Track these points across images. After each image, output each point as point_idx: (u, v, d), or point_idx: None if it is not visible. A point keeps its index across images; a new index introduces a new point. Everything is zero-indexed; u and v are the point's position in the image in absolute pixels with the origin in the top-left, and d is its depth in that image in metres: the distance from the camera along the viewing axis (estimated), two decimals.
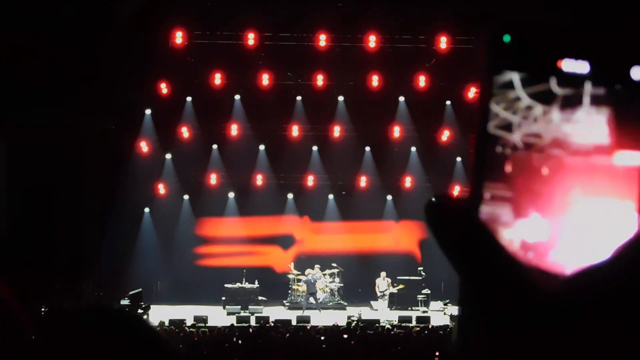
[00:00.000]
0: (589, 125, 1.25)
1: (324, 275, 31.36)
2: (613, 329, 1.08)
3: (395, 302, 30.15)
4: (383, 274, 30.34)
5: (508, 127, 1.28)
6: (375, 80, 30.50)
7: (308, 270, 30.65)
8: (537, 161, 1.26)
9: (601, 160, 1.26)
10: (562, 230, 1.28)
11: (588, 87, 1.31)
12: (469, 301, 1.22)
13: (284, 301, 31.57)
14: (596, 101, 1.25)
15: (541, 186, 1.26)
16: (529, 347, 1.09)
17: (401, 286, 30.27)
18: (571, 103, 1.25)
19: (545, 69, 1.29)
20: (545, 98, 1.26)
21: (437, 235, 1.18)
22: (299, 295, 31.33)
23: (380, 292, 29.95)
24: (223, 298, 30.70)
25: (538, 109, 1.29)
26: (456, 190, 33.06)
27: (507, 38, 1.35)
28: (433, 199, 1.19)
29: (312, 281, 30.05)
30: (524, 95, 1.28)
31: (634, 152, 1.30)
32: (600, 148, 1.25)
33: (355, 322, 25.10)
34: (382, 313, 28.59)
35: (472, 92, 30.99)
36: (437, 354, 14.92)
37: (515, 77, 1.34)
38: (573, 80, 1.31)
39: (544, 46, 1.30)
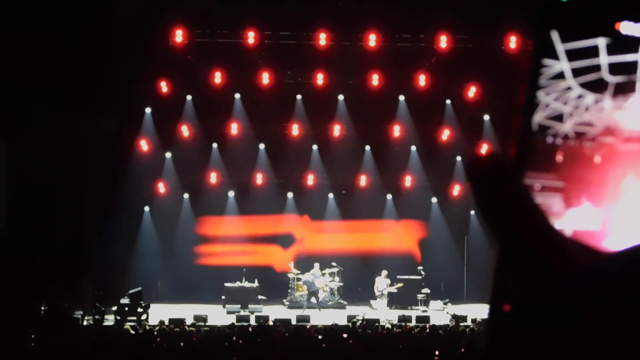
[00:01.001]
0: None
1: (323, 274, 31.34)
2: None
3: (395, 301, 30.14)
4: (384, 272, 30.32)
5: (559, 117, 1.26)
6: (375, 79, 30.50)
7: (306, 274, 30.61)
8: (589, 150, 1.25)
9: None
10: (615, 218, 1.26)
11: None
12: (504, 277, 1.19)
13: (284, 300, 31.58)
14: None
15: (593, 175, 1.25)
16: (566, 343, 1.07)
17: (400, 284, 30.25)
18: (623, 90, 1.23)
19: (603, 30, 1.27)
20: (597, 87, 1.24)
21: (477, 193, 1.15)
22: (298, 295, 31.32)
23: (379, 291, 29.93)
24: (223, 297, 30.69)
25: (589, 97, 1.27)
26: (456, 190, 33.07)
27: None
28: (478, 157, 1.17)
29: (312, 280, 30.03)
30: (575, 84, 1.26)
31: None
32: None
33: (360, 321, 25.13)
34: (381, 312, 28.57)
35: (472, 92, 30.98)
36: (436, 353, 14.91)
37: (566, 64, 1.32)
38: (628, 66, 1.28)
39: (603, 6, 1.28)
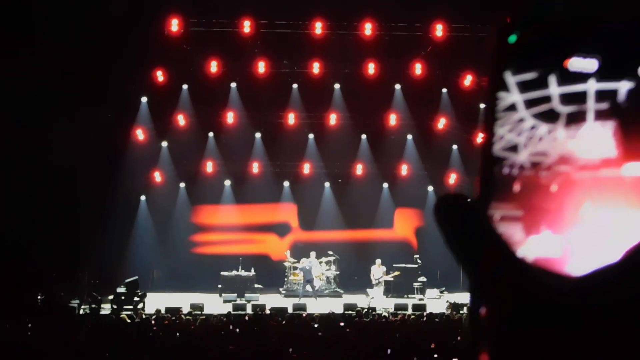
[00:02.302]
0: (595, 139, 1.26)
1: (320, 263, 31.38)
2: (619, 330, 1.09)
3: (391, 289, 30.15)
4: (378, 261, 30.33)
5: (514, 148, 1.29)
6: (371, 68, 30.49)
7: (303, 260, 30.65)
8: (545, 179, 1.28)
9: (610, 173, 1.27)
10: (575, 244, 1.29)
11: (592, 102, 1.33)
12: (476, 297, 1.23)
13: (280, 289, 31.60)
14: (601, 115, 1.26)
15: (551, 203, 1.28)
16: (535, 346, 1.10)
17: (397, 273, 30.28)
18: (575, 119, 1.26)
19: (552, 68, 1.30)
20: (549, 117, 1.27)
21: (445, 232, 1.19)
22: (295, 283, 31.35)
23: (376, 279, 29.94)
24: (219, 286, 30.72)
25: (543, 128, 1.30)
26: (452, 178, 33.09)
27: (512, 39, 1.36)
28: (443, 197, 1.21)
29: (308, 268, 30.06)
30: (527, 115, 1.29)
31: None
32: (608, 161, 1.26)
33: (365, 309, 25.17)
34: (377, 300, 28.60)
35: (468, 80, 30.98)
36: (432, 345, 14.93)
37: (518, 97, 1.36)
38: (577, 96, 1.31)
39: (552, 44, 1.31)
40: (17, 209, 27.54)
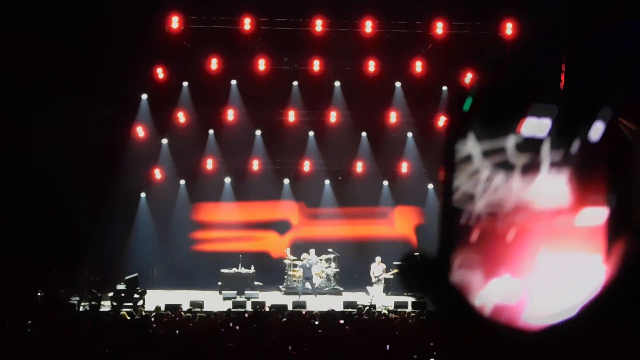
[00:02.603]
0: (550, 188, 1.29)
1: (320, 260, 31.39)
2: None
3: (391, 287, 30.16)
4: (378, 258, 30.32)
5: (471, 198, 1.32)
6: (371, 66, 30.48)
7: (304, 255, 30.66)
8: (502, 227, 1.30)
9: (565, 219, 1.30)
10: (533, 290, 1.32)
11: (546, 153, 1.36)
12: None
13: (280, 286, 31.62)
14: (555, 165, 1.29)
15: (508, 250, 1.30)
16: None
17: (396, 271, 30.28)
18: (530, 169, 1.29)
19: (506, 132, 1.34)
20: (505, 167, 1.30)
21: (407, 285, 1.23)
22: (294, 281, 31.37)
23: (375, 277, 29.93)
24: (219, 283, 30.72)
25: (499, 178, 1.33)
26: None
27: (467, 106, 1.41)
28: (407, 257, 1.25)
29: (308, 266, 30.06)
30: (484, 166, 1.31)
31: (596, 208, 1.35)
32: (562, 210, 1.29)
33: (367, 307, 25.18)
34: (377, 298, 28.60)
35: (468, 78, 30.94)
36: (432, 344, 14.93)
37: (474, 148, 1.39)
38: (532, 144, 1.35)
39: (505, 110, 1.35)
40: (17, 206, 27.53)
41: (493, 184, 1.26)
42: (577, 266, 1.31)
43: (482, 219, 1.26)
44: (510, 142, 1.27)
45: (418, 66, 30.63)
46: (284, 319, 20.24)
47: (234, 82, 31.85)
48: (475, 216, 1.25)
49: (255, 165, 33.22)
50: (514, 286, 1.26)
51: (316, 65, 30.81)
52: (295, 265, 31.40)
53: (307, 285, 30.00)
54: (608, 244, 1.39)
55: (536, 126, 1.28)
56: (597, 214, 1.38)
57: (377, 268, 30.07)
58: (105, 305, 26.68)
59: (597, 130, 1.35)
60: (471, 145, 1.27)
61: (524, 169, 1.27)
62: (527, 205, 1.26)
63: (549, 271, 1.28)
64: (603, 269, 1.37)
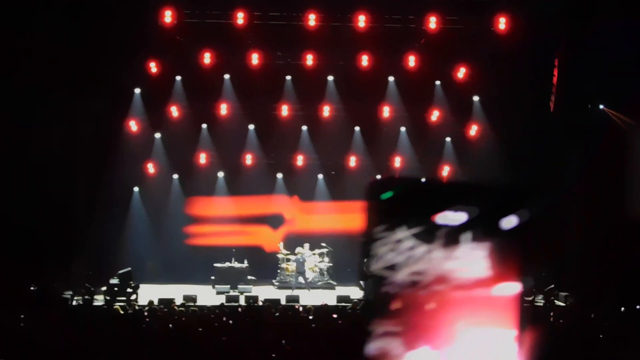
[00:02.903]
0: (470, 260, 1.32)
1: (313, 254, 31.42)
2: None
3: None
4: None
5: (393, 267, 1.35)
6: (365, 60, 30.49)
7: (298, 249, 30.66)
8: (423, 297, 1.33)
9: (483, 292, 1.33)
10: None
11: (467, 227, 1.39)
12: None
13: (273, 280, 31.62)
14: (476, 239, 1.32)
15: (428, 320, 1.33)
16: None
17: None
18: (452, 241, 1.32)
19: (421, 222, 1.37)
20: (427, 238, 1.33)
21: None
22: (288, 275, 31.38)
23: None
24: (212, 277, 30.75)
25: (421, 249, 1.35)
26: (445, 171, 33.10)
27: (385, 196, 1.45)
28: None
29: (302, 260, 30.07)
30: (407, 236, 1.34)
31: (511, 283, 1.38)
32: (481, 281, 1.32)
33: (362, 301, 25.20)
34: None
35: (461, 73, 30.99)
36: None
37: (397, 225, 1.42)
38: (448, 229, 1.38)
39: (420, 202, 1.38)
40: (10, 200, 27.52)
41: (415, 254, 1.30)
42: (492, 340, 1.35)
43: (404, 289, 1.30)
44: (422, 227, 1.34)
45: (411, 61, 30.63)
46: (278, 313, 20.26)
47: (227, 76, 31.83)
48: (397, 285, 1.29)
49: (249, 159, 33.21)
50: (432, 358, 1.30)
51: (309, 59, 30.82)
52: (288, 260, 31.42)
53: (300, 279, 30.00)
54: (520, 322, 1.45)
55: (451, 217, 1.33)
56: (513, 288, 1.43)
57: None
58: (99, 300, 26.69)
59: (509, 222, 1.39)
60: (394, 217, 1.32)
61: (446, 239, 1.32)
62: (447, 275, 1.30)
63: (466, 344, 1.32)
64: (515, 346, 1.42)
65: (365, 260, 1.44)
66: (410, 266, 1.31)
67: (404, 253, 1.33)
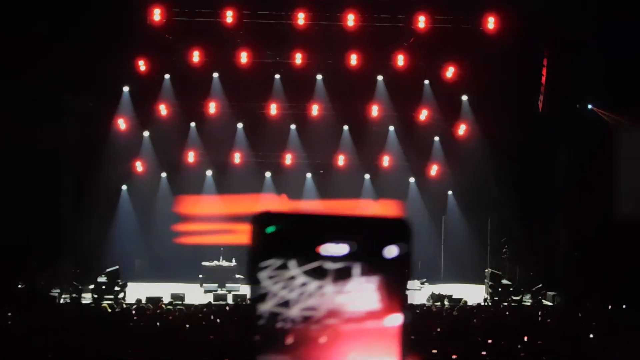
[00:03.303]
0: (361, 294, 1.34)
1: None
2: None
3: None
4: None
5: (286, 304, 1.35)
6: (354, 59, 30.48)
7: None
8: (315, 332, 1.34)
9: (373, 324, 1.34)
10: None
11: (355, 263, 1.40)
12: None
13: None
14: (365, 272, 1.33)
15: (321, 354, 1.34)
16: None
17: None
18: (343, 276, 1.34)
19: (306, 254, 1.38)
20: (318, 274, 1.34)
21: None
22: None
23: None
24: (200, 276, 30.72)
25: (312, 284, 1.36)
26: (434, 170, 33.15)
27: (270, 229, 1.45)
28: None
29: None
30: (298, 273, 1.35)
31: (397, 315, 1.41)
32: (372, 313, 1.33)
33: None
34: None
35: (450, 72, 31.01)
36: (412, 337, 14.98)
37: (288, 261, 1.44)
38: (333, 261, 1.40)
39: (304, 234, 1.39)
40: None
41: (308, 289, 1.33)
42: None
43: (297, 324, 1.32)
44: (323, 248, 1.37)
45: (400, 60, 30.64)
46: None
47: (216, 75, 31.81)
48: (290, 320, 1.32)
49: (237, 158, 33.21)
50: None
51: (298, 58, 30.81)
52: None
53: None
54: (402, 353, 1.51)
55: (334, 248, 1.37)
56: (399, 319, 1.48)
57: None
58: (86, 298, 26.66)
59: (390, 251, 1.43)
60: (285, 254, 1.35)
61: (337, 274, 1.35)
62: (339, 309, 1.33)
63: None
64: None
65: (253, 298, 1.46)
66: (303, 302, 1.32)
67: (296, 290, 1.34)
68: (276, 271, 1.39)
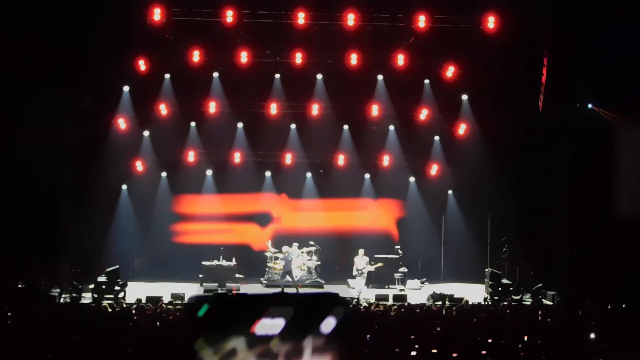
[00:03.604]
0: None
1: (302, 253, 31.41)
2: None
3: (372, 280, 30.18)
4: (361, 251, 30.26)
5: None
6: (354, 59, 30.47)
7: (285, 248, 30.54)
8: None
9: None
10: None
11: (308, 341, 1.43)
12: None
13: (261, 279, 31.59)
14: (317, 350, 1.35)
15: None
16: None
17: (380, 264, 30.30)
18: (294, 355, 1.35)
19: (241, 333, 1.40)
20: (269, 355, 1.36)
21: None
22: (275, 273, 31.36)
23: (358, 270, 29.79)
24: (200, 275, 30.71)
25: None
26: (433, 169, 33.16)
27: (202, 311, 1.48)
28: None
29: (289, 259, 29.99)
30: (249, 356, 1.37)
31: None
32: None
33: (356, 299, 25.30)
34: (360, 291, 28.60)
35: (450, 72, 30.99)
36: (412, 337, 14.98)
37: (237, 342, 1.46)
38: (269, 339, 1.42)
39: (237, 314, 1.41)
40: None
41: None
42: None
43: None
44: (241, 342, 1.38)
45: (400, 59, 30.62)
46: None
47: (216, 74, 31.80)
48: None
49: (237, 157, 33.22)
50: None
51: (298, 57, 30.79)
52: (276, 258, 31.39)
53: (288, 278, 29.94)
54: None
55: (269, 325, 1.39)
56: None
57: (361, 261, 29.97)
58: (86, 297, 26.65)
59: (328, 325, 1.45)
60: (234, 341, 1.37)
61: (287, 355, 1.37)
62: None
63: None
64: None
65: None
66: None
67: None
68: (225, 355, 1.41)
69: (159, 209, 33.15)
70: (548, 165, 30.15)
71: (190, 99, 31.76)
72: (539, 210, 30.64)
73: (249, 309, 1.42)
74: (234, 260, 31.21)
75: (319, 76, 32.07)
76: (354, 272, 29.87)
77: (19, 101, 27.05)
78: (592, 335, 15.13)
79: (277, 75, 32.02)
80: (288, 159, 33.41)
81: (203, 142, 32.91)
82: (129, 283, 28.13)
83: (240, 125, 32.92)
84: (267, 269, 31.69)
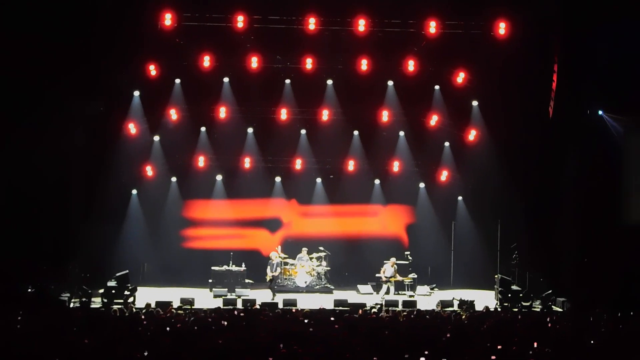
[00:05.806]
0: None
1: (311, 259, 31.40)
2: None
3: (381, 286, 30.13)
4: (392, 259, 29.95)
5: None
6: (364, 64, 30.43)
7: (273, 254, 30.04)
8: None
9: None
10: None
11: None
12: None
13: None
14: None
15: None
16: None
17: (412, 276, 30.38)
18: None
19: None
20: None
21: None
22: (285, 279, 31.34)
23: (386, 277, 29.49)
24: (210, 280, 30.73)
25: None
26: (443, 175, 33.14)
27: None
28: None
29: (273, 264, 29.43)
30: None
31: None
32: None
33: (379, 305, 25.30)
34: (378, 298, 28.47)
35: (460, 78, 30.96)
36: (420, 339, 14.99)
37: None
38: None
39: None
40: (7, 202, 27.53)
41: None
42: None
43: None
44: None
45: (410, 65, 30.59)
46: (275, 317, 20.24)
47: (226, 79, 31.79)
48: None
49: (247, 162, 33.23)
50: None
51: (309, 63, 30.76)
52: (286, 264, 31.37)
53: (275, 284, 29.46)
54: None
55: None
56: None
57: (390, 269, 29.66)
58: (96, 302, 26.68)
59: None
60: None
61: None
62: None
63: None
64: None
65: None
66: None
67: None
68: None
69: (169, 214, 33.18)
70: (558, 171, 30.10)
71: (200, 104, 31.77)
72: (549, 216, 30.58)
73: None
74: (243, 265, 31.22)
75: (329, 81, 32.06)
76: (382, 279, 29.48)
77: (29, 106, 27.10)
78: (601, 342, 15.11)
79: (288, 81, 32.02)
80: (298, 164, 33.41)
81: (213, 147, 32.92)
82: (138, 288, 28.18)
83: (250, 130, 32.92)
84: (278, 275, 31.18)
